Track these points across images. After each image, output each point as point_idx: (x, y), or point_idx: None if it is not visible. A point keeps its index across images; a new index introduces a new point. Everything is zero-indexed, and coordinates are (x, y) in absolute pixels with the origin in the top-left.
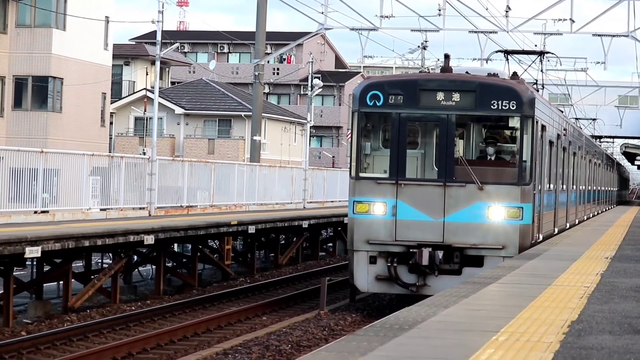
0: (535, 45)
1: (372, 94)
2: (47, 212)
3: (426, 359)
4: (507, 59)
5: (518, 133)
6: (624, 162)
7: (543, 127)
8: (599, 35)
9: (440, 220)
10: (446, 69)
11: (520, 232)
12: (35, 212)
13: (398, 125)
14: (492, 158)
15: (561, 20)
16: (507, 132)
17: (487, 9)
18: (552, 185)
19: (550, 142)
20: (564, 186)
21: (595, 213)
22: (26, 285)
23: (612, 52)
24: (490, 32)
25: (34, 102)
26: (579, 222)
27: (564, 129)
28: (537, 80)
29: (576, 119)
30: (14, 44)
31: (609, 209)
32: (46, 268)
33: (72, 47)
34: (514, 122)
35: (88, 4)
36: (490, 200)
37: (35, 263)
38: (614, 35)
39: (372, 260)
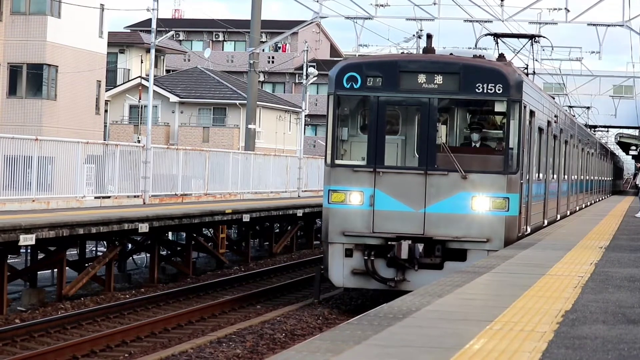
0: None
1: (349, 75)
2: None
3: (420, 347)
4: (497, 43)
5: (504, 118)
6: (619, 152)
7: (532, 112)
8: (594, 24)
9: (421, 211)
10: (428, 49)
11: (506, 224)
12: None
13: (376, 110)
14: (477, 145)
15: (556, 9)
16: (493, 118)
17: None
18: (541, 175)
19: (540, 129)
20: (555, 176)
21: (588, 203)
22: (20, 272)
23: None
24: (485, 21)
25: (28, 90)
26: (571, 213)
27: (555, 116)
28: (527, 65)
29: (570, 107)
30: (8, 32)
31: (602, 199)
32: (40, 256)
33: (67, 35)
34: (500, 107)
35: None
36: (474, 190)
37: (29, 251)
38: (608, 25)
39: (348, 253)
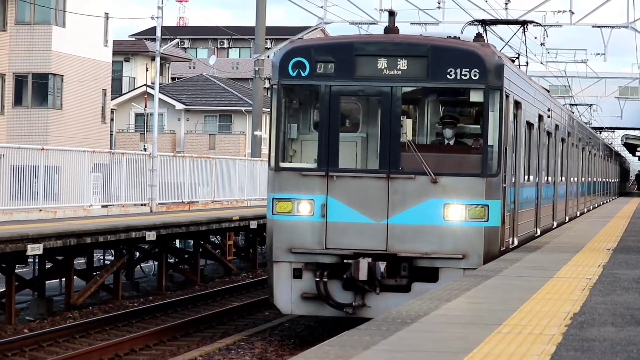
0: (535, 38)
1: (295, 61)
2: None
3: (429, 352)
4: (485, 31)
5: (482, 110)
6: (625, 154)
7: (517, 104)
8: (599, 26)
9: (383, 223)
10: (391, 29)
11: (486, 236)
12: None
13: (328, 102)
14: (450, 143)
15: (561, 11)
16: (469, 109)
17: (486, 1)
18: (531, 177)
19: (529, 124)
20: (549, 178)
21: (591, 207)
22: (28, 282)
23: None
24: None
25: (34, 100)
26: (571, 219)
27: (549, 110)
28: (519, 55)
29: (571, 105)
30: (13, 41)
31: (607, 201)
32: (48, 265)
33: (72, 44)
34: (477, 96)
35: (87, 1)
36: (446, 196)
37: (37, 260)
38: (613, 27)
39: (297, 273)
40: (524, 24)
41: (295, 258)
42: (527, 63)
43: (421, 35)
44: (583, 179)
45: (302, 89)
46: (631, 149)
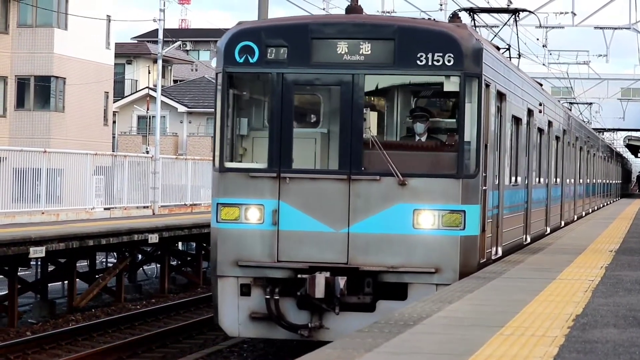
0: (537, 39)
1: (242, 45)
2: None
3: (431, 354)
4: (474, 20)
5: (458, 101)
6: (628, 155)
7: (501, 95)
8: (601, 28)
9: (343, 232)
10: (353, 8)
11: (462, 247)
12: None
13: (280, 92)
14: (422, 139)
15: (563, 13)
16: (443, 100)
17: (488, 3)
18: (519, 179)
19: (516, 119)
20: (542, 179)
21: (590, 210)
22: (31, 285)
23: (614, 44)
24: (492, 26)
25: (36, 102)
26: (567, 224)
27: (540, 104)
28: (510, 46)
29: (570, 103)
30: (15, 44)
31: (609, 203)
32: (51, 268)
33: (74, 47)
34: (451, 84)
35: (89, 3)
36: (416, 200)
37: (39, 263)
38: (615, 28)
39: (244, 290)
40: (515, 12)
41: (242, 272)
42: (520, 55)
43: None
44: (581, 180)
45: (250, 78)
46: (633, 150)
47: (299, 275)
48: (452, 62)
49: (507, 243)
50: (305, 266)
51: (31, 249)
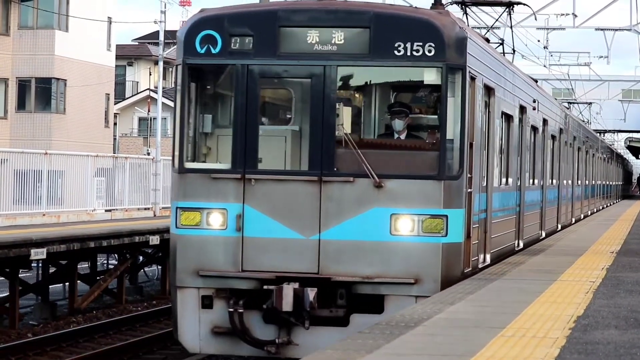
0: (539, 41)
1: (204, 35)
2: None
3: (432, 355)
4: (466, 14)
5: (440, 95)
6: (629, 157)
7: (488, 89)
8: (602, 29)
9: (314, 238)
10: None
11: (445, 255)
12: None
13: (245, 85)
14: (401, 137)
15: (564, 14)
16: (424, 94)
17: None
18: (510, 180)
19: (507, 116)
20: (536, 181)
21: (589, 213)
22: (32, 287)
23: (615, 46)
24: (493, 28)
25: (37, 104)
26: (564, 227)
27: (534, 101)
28: (503, 40)
29: (569, 103)
30: (16, 46)
31: (609, 205)
32: (52, 270)
33: (75, 48)
34: (432, 76)
35: (90, 5)
36: (394, 204)
37: (40, 265)
38: (616, 29)
39: (206, 302)
40: (509, 5)
41: (203, 283)
42: (514, 51)
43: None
44: (579, 181)
45: (213, 70)
46: (635, 151)
47: (265, 287)
48: (433, 52)
49: (496, 249)
50: (272, 276)
51: (32, 251)
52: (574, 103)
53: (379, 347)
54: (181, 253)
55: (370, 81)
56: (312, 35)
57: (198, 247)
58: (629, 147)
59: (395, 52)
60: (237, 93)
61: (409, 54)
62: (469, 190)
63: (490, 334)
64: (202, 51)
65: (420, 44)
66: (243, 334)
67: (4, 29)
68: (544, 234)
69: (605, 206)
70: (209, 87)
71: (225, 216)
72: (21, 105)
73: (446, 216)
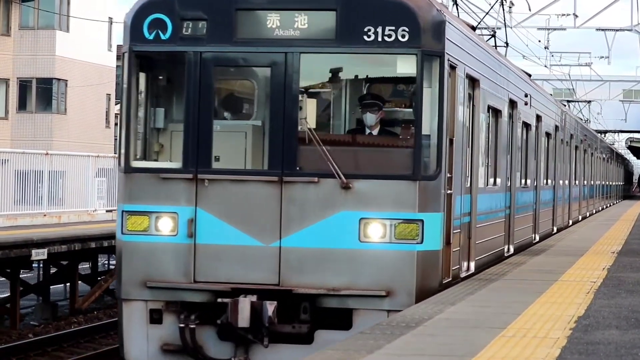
0: (539, 41)
1: (152, 19)
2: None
3: (433, 356)
4: (456, 5)
5: (415, 85)
6: (630, 157)
7: (472, 80)
8: (603, 29)
9: (274, 245)
10: None
11: (420, 264)
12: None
13: (198, 75)
14: (373, 132)
15: (565, 15)
16: (398, 85)
17: (490, 5)
18: (499, 180)
19: (495, 111)
20: (528, 181)
21: (587, 214)
22: (33, 287)
23: (616, 46)
24: (493, 28)
25: (38, 104)
26: (560, 230)
27: (526, 95)
28: (495, 32)
29: (568, 101)
30: (17, 46)
31: (610, 205)
32: (52, 270)
33: (76, 49)
34: (406, 65)
35: (91, 5)
36: (363, 207)
37: (41, 265)
38: (617, 30)
39: (155, 317)
40: None
41: (152, 295)
42: (507, 44)
43: None
44: (577, 181)
45: (163, 58)
46: (636, 151)
47: (220, 300)
48: (406, 38)
49: (482, 256)
50: (227, 288)
51: (33, 251)
52: (572, 102)
53: (380, 347)
54: (127, 262)
55: (337, 70)
56: (273, 19)
57: (146, 255)
58: (630, 147)
59: (365, 37)
60: (188, 83)
61: (379, 39)
62: (449, 191)
63: (491, 335)
64: (151, 37)
65: (393, 28)
66: (195, 352)
67: (4, 29)
68: (537, 238)
69: (605, 207)
70: (160, 77)
71: (175, 221)
72: (22, 105)
73: (422, 221)
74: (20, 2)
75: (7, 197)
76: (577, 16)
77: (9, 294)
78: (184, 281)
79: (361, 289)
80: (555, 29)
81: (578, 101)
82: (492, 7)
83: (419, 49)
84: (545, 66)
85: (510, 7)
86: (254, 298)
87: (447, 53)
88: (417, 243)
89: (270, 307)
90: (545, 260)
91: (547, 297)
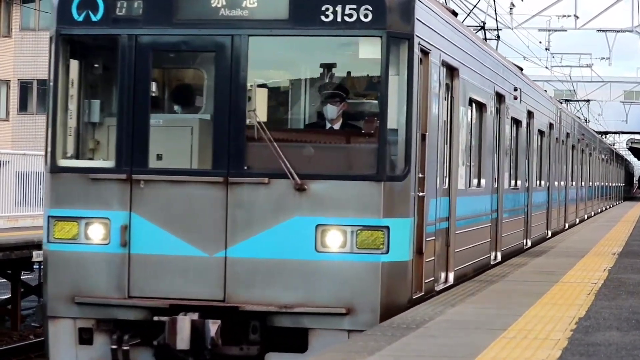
0: (540, 42)
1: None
2: None
3: (434, 357)
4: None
5: (380, 73)
6: (631, 158)
7: (450, 68)
8: (604, 30)
9: (219, 256)
10: None
11: (385, 277)
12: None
13: (133, 61)
14: (335, 126)
15: (565, 16)
16: (362, 73)
17: (490, 6)
18: (483, 182)
19: (478, 105)
20: (518, 182)
21: (586, 217)
22: (34, 289)
23: (617, 47)
24: (495, 29)
25: (39, 106)
26: (555, 234)
27: (515, 89)
28: (484, 23)
29: (566, 100)
30: (18, 48)
31: (610, 206)
32: None
33: None
34: (369, 49)
35: None
36: (321, 212)
37: (42, 267)
38: (618, 31)
39: (84, 337)
40: None
41: (81, 312)
42: (499, 37)
43: None
44: (573, 183)
45: (95, 43)
46: (637, 153)
47: (156, 318)
48: (370, 18)
49: (463, 266)
50: (165, 304)
51: (34, 253)
52: (570, 101)
53: (381, 348)
54: (53, 274)
55: (292, 55)
56: None
57: (74, 266)
58: (631, 149)
59: (323, 17)
60: (122, 71)
61: (339, 19)
62: (420, 194)
63: (491, 336)
64: (81, 19)
65: (354, 7)
66: None
67: (5, 30)
68: (529, 243)
69: (605, 208)
70: (96, 64)
71: (107, 228)
72: (23, 106)
73: (387, 227)
74: (21, 4)
75: (8, 198)
76: (577, 17)
77: (10, 296)
78: (117, 296)
79: (318, 305)
80: (556, 30)
81: (577, 100)
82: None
83: (384, 31)
84: (546, 67)
85: (511, 9)
86: (195, 316)
87: (417, 35)
88: (382, 253)
89: (213, 326)
90: (546, 262)
91: (548, 298)
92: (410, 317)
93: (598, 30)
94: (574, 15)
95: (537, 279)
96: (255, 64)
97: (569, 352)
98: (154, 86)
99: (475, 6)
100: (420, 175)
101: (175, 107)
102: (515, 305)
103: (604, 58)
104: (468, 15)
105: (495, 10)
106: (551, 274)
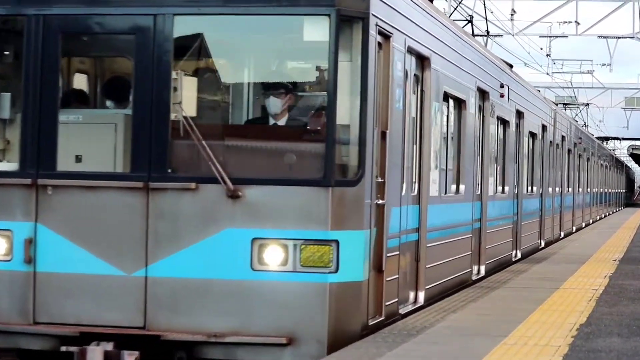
0: (541, 49)
1: None
2: None
3: None
4: None
5: (327, 58)
6: (632, 164)
7: (419, 57)
8: (605, 37)
9: (138, 275)
10: None
11: (334, 301)
12: None
13: (40, 46)
14: (279, 122)
15: (566, 22)
16: (310, 60)
17: (492, 12)
18: (462, 187)
19: (456, 100)
20: (506, 188)
21: (583, 225)
22: None
23: (618, 53)
24: (496, 36)
25: None
26: (549, 244)
27: (502, 86)
28: (472, 17)
29: (565, 104)
30: None
31: (611, 213)
32: None
33: None
34: (316, 30)
35: None
36: (258, 223)
37: None
38: (619, 37)
39: None
40: None
41: None
42: (488, 32)
43: None
44: (569, 189)
45: (2, 26)
46: (638, 159)
47: (64, 348)
48: None
49: (436, 283)
50: (75, 332)
51: None
52: (569, 104)
53: (382, 355)
54: None
55: (226, 38)
56: None
57: None
58: (632, 155)
59: None
60: (27, 58)
61: None
62: (379, 201)
63: (492, 342)
64: None
65: None
66: None
67: None
68: (519, 254)
69: (605, 215)
70: (6, 52)
71: (10, 241)
72: None
73: (336, 241)
74: None
75: None
76: (579, 23)
77: None
78: (21, 322)
79: (254, 334)
80: (557, 37)
81: (576, 104)
82: None
83: (333, 8)
84: (547, 74)
85: (512, 15)
86: (109, 346)
87: (374, 15)
88: (330, 272)
89: (129, 358)
90: (547, 268)
91: (549, 304)
92: (411, 323)
93: (599, 37)
94: (575, 21)
95: (538, 286)
96: (182, 49)
97: (570, 359)
98: (84, 78)
99: (459, 4)
100: (380, 180)
101: (108, 103)
102: (516, 311)
103: (605, 64)
104: (455, 9)
105: (484, 5)
106: (552, 280)
